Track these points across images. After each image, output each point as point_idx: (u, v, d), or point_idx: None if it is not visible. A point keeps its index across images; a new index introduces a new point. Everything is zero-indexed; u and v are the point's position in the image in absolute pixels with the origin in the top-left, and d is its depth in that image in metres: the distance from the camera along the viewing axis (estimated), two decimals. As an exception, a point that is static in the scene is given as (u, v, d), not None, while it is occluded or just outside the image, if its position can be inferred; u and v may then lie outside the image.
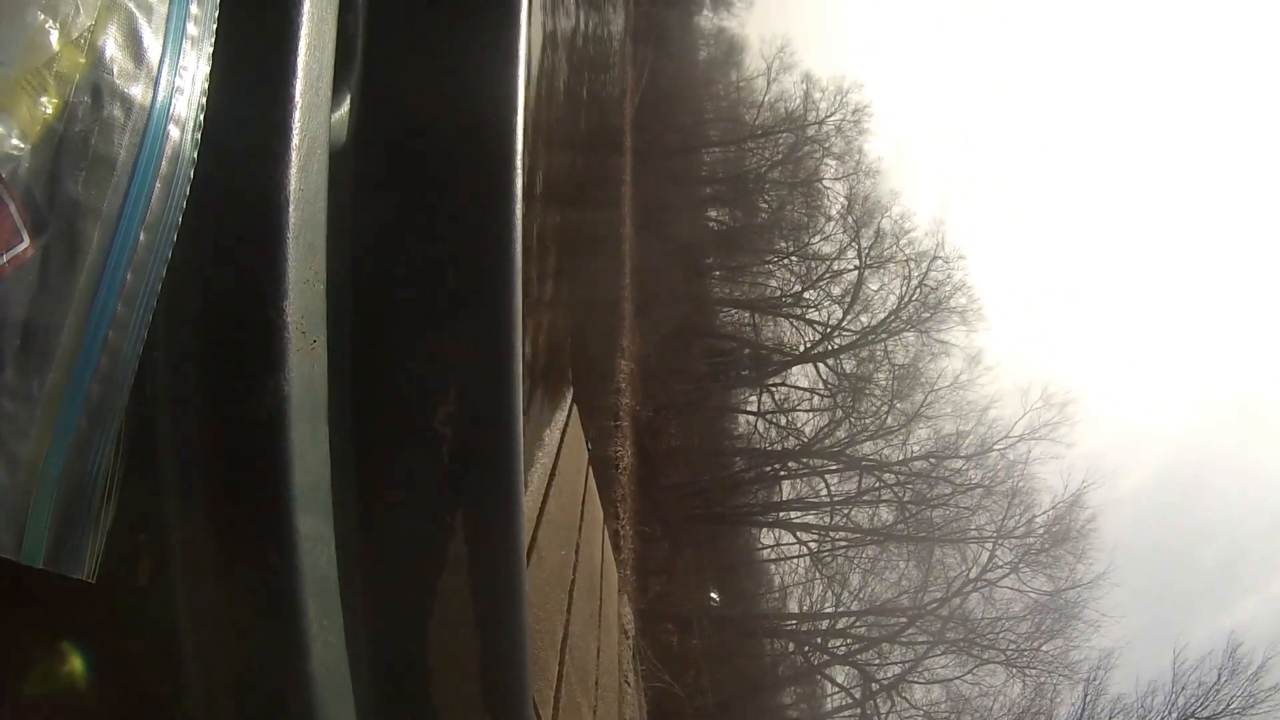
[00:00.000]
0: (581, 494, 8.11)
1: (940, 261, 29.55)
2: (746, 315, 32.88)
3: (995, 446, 28.00)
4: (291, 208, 0.67)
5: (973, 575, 26.77)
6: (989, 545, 27.03)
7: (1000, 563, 26.86)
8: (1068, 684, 25.40)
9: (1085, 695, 24.91)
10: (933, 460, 28.20)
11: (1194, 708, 23.90)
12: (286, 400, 0.66)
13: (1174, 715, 24.02)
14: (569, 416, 8.32)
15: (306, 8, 0.70)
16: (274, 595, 0.66)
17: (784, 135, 34.29)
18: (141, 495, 0.63)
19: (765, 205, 34.91)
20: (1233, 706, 23.68)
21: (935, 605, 26.48)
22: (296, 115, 0.68)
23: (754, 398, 31.27)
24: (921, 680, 26.14)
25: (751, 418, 31.08)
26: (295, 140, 0.68)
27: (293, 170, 0.68)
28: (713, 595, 24.39)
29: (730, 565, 27.28)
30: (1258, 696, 23.52)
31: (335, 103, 0.79)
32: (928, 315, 29.29)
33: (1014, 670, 25.71)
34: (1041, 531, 27.17)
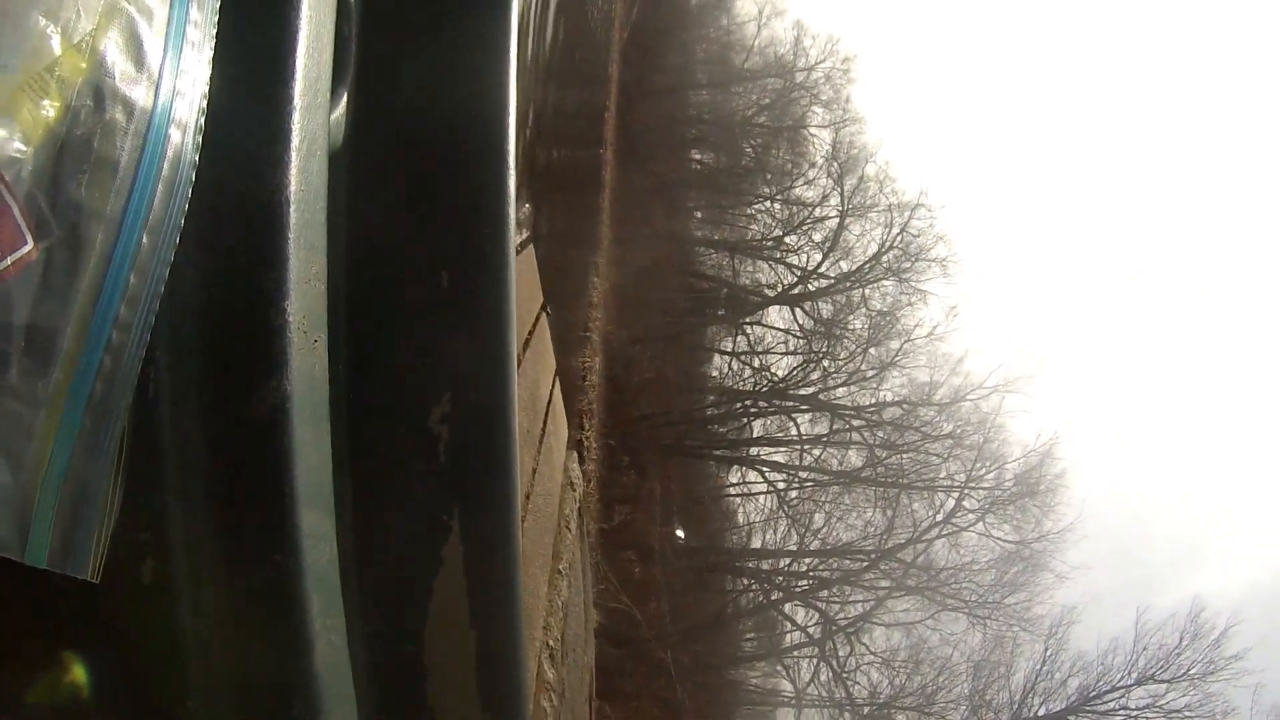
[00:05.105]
0: (546, 401, 8.03)
1: (923, 210, 29.42)
2: (726, 257, 32.71)
3: (968, 397, 28.19)
4: (292, 208, 0.68)
5: (938, 519, 27.07)
6: (956, 493, 27.31)
7: (967, 510, 27.18)
8: (1029, 638, 25.84)
9: (1046, 651, 25.31)
10: (905, 407, 28.35)
11: (1154, 670, 24.16)
12: (289, 399, 0.67)
13: (1133, 676, 24.33)
14: (536, 322, 8.21)
15: (305, 11, 0.70)
16: (278, 593, 0.68)
17: (772, 80, 33.88)
18: (145, 495, 0.65)
19: (750, 149, 34.57)
20: (1192, 672, 23.88)
21: (899, 548, 26.81)
22: (296, 117, 0.69)
23: (729, 338, 31.27)
24: (882, 623, 26.56)
25: (726, 357, 31.10)
26: (295, 142, 0.69)
27: (293, 171, 0.68)
28: (678, 532, 24.55)
29: (697, 498, 27.38)
30: (1217, 664, 23.75)
31: (332, 104, 0.79)
32: (908, 264, 29.16)
33: (975, 620, 26.11)
34: (1011, 482, 27.45)
